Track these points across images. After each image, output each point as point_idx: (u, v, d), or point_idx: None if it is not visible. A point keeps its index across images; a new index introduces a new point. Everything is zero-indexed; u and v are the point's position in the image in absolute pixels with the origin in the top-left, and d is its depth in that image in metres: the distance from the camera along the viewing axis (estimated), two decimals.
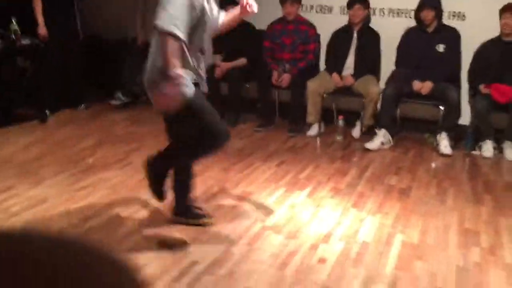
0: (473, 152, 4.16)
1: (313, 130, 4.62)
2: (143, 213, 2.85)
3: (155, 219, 2.77)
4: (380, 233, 2.71)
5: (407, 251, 2.52)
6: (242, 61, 4.87)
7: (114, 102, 5.25)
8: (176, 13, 2.18)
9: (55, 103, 4.89)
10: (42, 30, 4.61)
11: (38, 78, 4.62)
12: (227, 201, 3.03)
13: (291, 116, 4.70)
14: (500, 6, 4.12)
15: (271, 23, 4.81)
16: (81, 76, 5.15)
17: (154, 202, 2.87)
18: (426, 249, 2.55)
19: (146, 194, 3.04)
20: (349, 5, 4.48)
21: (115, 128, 4.58)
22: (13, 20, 4.24)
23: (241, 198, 3.10)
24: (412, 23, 4.49)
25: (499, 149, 4.17)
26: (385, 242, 2.61)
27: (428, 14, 4.20)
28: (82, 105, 5.13)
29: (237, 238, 2.59)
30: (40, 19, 4.61)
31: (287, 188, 3.32)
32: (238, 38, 4.63)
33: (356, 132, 4.54)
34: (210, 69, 4.65)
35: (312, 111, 4.55)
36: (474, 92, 4.26)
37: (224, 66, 4.81)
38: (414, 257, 2.47)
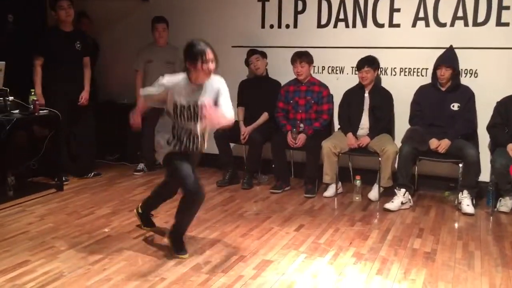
0: (495, 210, 4.06)
1: (330, 191, 4.55)
2: (161, 286, 2.76)
3: None
4: None
5: None
6: (264, 116, 4.91)
7: (136, 173, 5.30)
8: None
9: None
10: (41, 99, 4.50)
11: (56, 146, 4.64)
12: (247, 272, 2.94)
13: (307, 177, 4.65)
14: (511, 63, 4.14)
15: (285, 85, 4.87)
16: (94, 142, 5.16)
17: (172, 274, 2.80)
18: None
19: (163, 266, 2.98)
20: (358, 67, 4.53)
21: (131, 194, 4.56)
22: (32, 91, 4.33)
23: (261, 267, 3.01)
24: (423, 81, 4.52)
25: None
26: None
27: (445, 73, 4.21)
28: (92, 173, 5.11)
29: None
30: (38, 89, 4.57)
31: (308, 254, 3.22)
32: (264, 92, 4.88)
33: (373, 194, 4.45)
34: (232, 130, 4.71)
35: (328, 171, 4.50)
36: (493, 148, 4.19)
37: (247, 130, 4.84)
38: None
